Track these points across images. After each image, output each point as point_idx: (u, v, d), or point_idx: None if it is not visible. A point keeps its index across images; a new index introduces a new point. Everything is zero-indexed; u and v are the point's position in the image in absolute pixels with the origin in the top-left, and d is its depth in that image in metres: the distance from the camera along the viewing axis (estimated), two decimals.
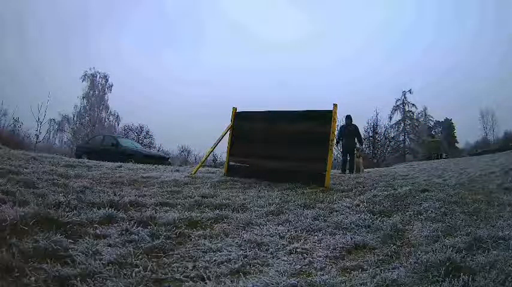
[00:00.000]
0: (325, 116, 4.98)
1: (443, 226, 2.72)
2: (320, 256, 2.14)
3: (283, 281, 1.74)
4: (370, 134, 25.07)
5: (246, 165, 5.71)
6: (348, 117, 8.52)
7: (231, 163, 5.88)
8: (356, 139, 8.37)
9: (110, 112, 28.29)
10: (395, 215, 3.12)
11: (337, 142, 8.56)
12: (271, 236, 2.47)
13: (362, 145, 9.38)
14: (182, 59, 39.86)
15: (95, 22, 38.58)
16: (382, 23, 40.58)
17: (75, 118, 27.56)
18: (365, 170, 8.89)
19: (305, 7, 41.98)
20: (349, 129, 8.34)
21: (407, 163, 17.79)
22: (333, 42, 40.52)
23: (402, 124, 30.54)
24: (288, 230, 2.62)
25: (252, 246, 2.25)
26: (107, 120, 28.37)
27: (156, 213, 2.82)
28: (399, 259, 2.11)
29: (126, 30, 39.47)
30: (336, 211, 3.26)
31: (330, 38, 40.37)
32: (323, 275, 1.88)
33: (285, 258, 2.11)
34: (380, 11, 41.80)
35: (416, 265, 1.94)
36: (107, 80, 28.26)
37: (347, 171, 8.01)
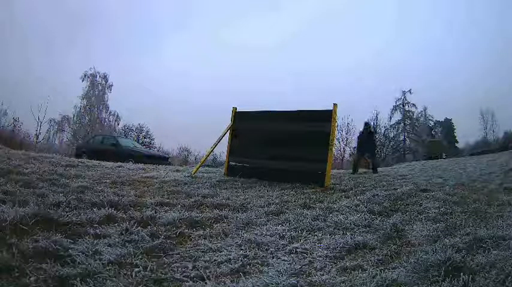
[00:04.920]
0: (325, 116, 4.99)
1: (443, 226, 2.73)
2: (320, 256, 2.14)
3: (283, 281, 1.74)
4: None
5: (246, 165, 5.71)
6: (367, 124, 9.01)
7: (231, 163, 5.88)
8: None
9: (110, 112, 28.30)
10: (395, 215, 3.12)
11: (359, 150, 9.20)
12: (271, 236, 2.47)
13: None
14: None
15: (93, 22, 38.54)
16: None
17: (75, 118, 27.55)
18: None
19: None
20: (368, 135, 8.79)
21: (407, 163, 17.78)
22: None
23: (402, 124, 30.52)
24: (288, 230, 2.62)
25: (252, 246, 2.25)
26: (106, 120, 28.37)
27: (156, 213, 2.82)
28: (399, 259, 2.11)
29: (122, 30, 39.43)
30: (336, 211, 3.26)
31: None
32: (323, 275, 1.87)
33: (285, 258, 2.11)
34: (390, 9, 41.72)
35: (416, 265, 1.93)
36: (106, 80, 28.27)
37: (358, 170, 8.23)
